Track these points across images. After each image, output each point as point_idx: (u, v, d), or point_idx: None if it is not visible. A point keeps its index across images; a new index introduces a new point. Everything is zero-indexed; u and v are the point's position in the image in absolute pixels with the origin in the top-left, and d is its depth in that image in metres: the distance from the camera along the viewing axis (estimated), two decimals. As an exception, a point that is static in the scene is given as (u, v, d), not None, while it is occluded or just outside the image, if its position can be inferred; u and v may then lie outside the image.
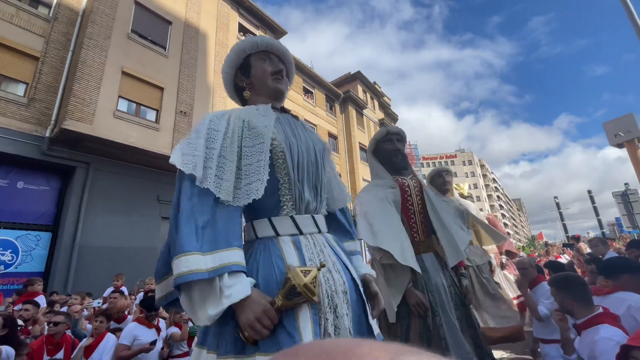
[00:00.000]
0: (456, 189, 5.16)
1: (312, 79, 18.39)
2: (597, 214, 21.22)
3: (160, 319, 3.59)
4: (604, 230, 23.49)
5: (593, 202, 21.41)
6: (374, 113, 24.15)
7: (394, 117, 27.57)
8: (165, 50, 10.11)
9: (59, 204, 8.29)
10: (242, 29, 13.52)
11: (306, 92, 17.95)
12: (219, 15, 12.34)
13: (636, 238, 10.69)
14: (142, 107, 9.22)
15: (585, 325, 1.69)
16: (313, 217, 1.15)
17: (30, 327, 3.79)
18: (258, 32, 14.27)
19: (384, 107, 26.42)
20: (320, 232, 1.16)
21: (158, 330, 3.39)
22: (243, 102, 1.40)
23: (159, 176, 9.52)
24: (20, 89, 7.85)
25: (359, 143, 20.46)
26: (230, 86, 1.42)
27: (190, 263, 0.86)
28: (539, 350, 2.73)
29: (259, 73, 1.31)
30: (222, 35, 12.23)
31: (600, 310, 1.70)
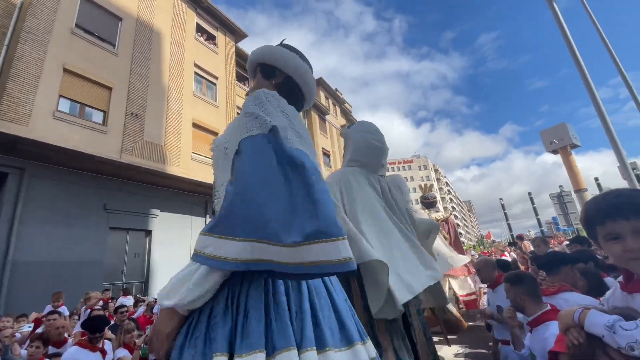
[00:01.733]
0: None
1: (274, 83, 18.23)
2: (536, 214, 23.32)
3: (105, 340, 3.28)
4: (543, 229, 25.87)
5: (533, 203, 23.52)
6: (336, 119, 24.51)
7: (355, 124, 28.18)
8: (114, 47, 9.45)
9: (-14, 214, 7.34)
10: (199, 30, 13.06)
11: (267, 96, 17.73)
12: (174, 13, 11.82)
13: (571, 235, 11.85)
14: (87, 107, 8.50)
15: (536, 323, 1.79)
16: None
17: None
18: (217, 34, 13.88)
19: (346, 113, 26.93)
20: None
21: (103, 353, 3.09)
22: None
23: (106, 183, 8.81)
24: (-63, 85, 6.89)
25: (322, 148, 20.63)
26: None
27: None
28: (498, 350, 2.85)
29: None
30: (178, 34, 11.72)
31: (548, 307, 1.82)
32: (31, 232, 7.29)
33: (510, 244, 11.19)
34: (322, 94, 22.98)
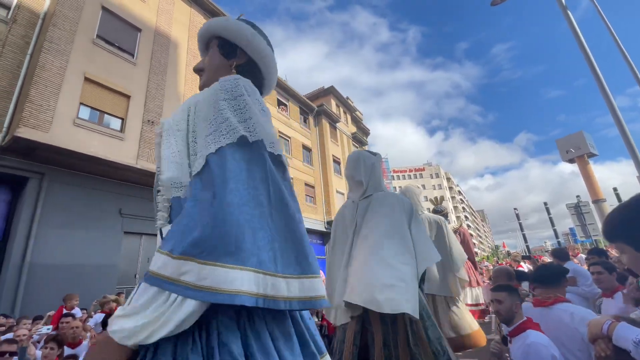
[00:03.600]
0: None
1: (286, 92, 18.53)
2: (552, 225, 22.65)
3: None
4: (560, 240, 25.11)
5: (549, 213, 22.86)
6: (346, 127, 24.58)
7: (366, 131, 28.20)
8: (133, 57, 9.76)
9: (8, 217, 7.60)
10: (214, 40, 13.36)
11: (280, 104, 18.01)
12: (191, 25, 12.17)
13: (588, 247, 11.45)
14: (105, 115, 8.78)
15: (515, 332, 1.88)
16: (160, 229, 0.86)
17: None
18: (231, 43, 14.18)
19: (357, 121, 26.98)
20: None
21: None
22: None
23: (121, 188, 9.02)
24: (-34, 93, 7.24)
25: (333, 156, 20.67)
26: None
27: None
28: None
29: None
30: (195, 44, 12.02)
31: (525, 318, 1.93)
32: (48, 235, 7.49)
33: (524, 257, 10.91)
34: (333, 102, 23.13)
